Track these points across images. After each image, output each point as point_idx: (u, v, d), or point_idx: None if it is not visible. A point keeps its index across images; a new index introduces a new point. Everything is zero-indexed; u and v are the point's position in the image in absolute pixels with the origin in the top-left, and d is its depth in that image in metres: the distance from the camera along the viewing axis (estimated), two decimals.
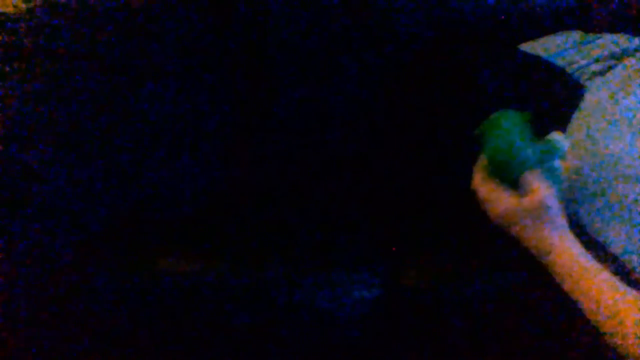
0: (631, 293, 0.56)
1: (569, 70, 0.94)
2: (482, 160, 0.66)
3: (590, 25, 1.04)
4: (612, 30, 1.01)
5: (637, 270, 0.70)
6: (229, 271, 0.87)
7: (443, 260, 0.88)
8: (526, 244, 0.62)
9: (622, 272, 0.68)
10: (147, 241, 0.89)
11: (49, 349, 0.92)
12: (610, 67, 0.90)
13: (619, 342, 0.54)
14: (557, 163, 0.66)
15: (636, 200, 0.72)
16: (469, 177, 0.76)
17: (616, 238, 0.72)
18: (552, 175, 0.65)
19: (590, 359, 0.74)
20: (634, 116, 0.78)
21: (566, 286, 0.59)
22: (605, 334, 0.56)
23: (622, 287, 0.57)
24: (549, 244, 0.60)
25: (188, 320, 0.90)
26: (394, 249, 0.91)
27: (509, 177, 0.63)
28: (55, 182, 0.91)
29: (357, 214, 0.95)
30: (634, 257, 0.71)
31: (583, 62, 0.93)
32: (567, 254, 0.59)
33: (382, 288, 0.86)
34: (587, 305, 0.57)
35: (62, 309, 0.89)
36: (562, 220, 0.62)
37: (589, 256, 0.60)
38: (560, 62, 0.96)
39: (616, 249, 0.72)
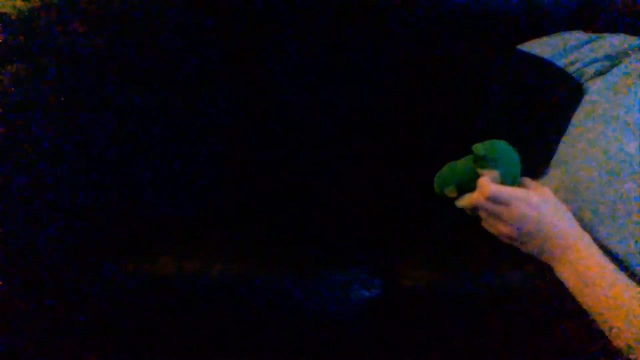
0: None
1: (569, 70, 0.94)
2: (492, 175, 0.67)
3: (591, 25, 1.04)
4: (612, 30, 1.01)
5: (637, 270, 0.70)
6: (229, 271, 0.87)
7: (443, 260, 0.88)
8: (538, 245, 0.62)
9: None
10: (147, 241, 0.89)
11: (49, 349, 0.92)
12: (610, 67, 0.90)
13: (628, 340, 0.54)
14: None
15: (636, 200, 0.72)
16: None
17: (615, 238, 0.72)
18: None
19: (590, 358, 0.74)
20: (634, 116, 0.78)
21: (575, 284, 0.59)
22: (613, 331, 0.55)
23: (633, 284, 0.57)
24: (563, 238, 0.60)
25: (188, 320, 0.90)
26: (394, 243, 0.91)
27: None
28: (55, 182, 0.91)
29: (357, 214, 0.95)
30: (634, 257, 0.71)
31: (583, 62, 0.93)
32: (580, 249, 0.59)
33: (382, 288, 0.86)
34: (597, 304, 0.57)
35: (61, 309, 0.89)
36: (572, 218, 0.62)
37: (601, 253, 0.60)
38: (560, 62, 0.96)
39: (616, 249, 0.72)
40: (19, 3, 1.04)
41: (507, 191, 0.63)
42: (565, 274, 0.61)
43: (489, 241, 0.84)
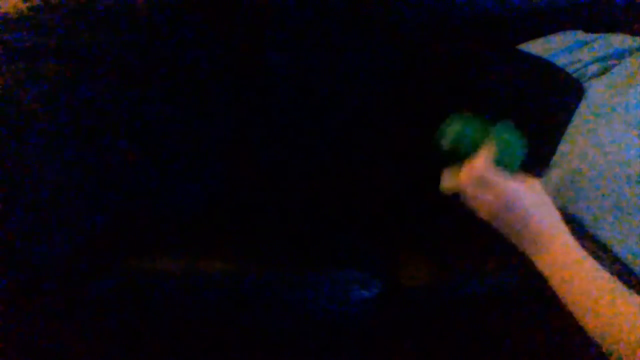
0: (621, 288, 0.56)
1: (569, 70, 0.94)
2: (490, 150, 0.66)
3: (591, 25, 1.04)
4: (612, 30, 1.01)
5: (637, 270, 0.70)
6: (229, 271, 0.87)
7: (443, 260, 0.88)
8: (519, 235, 0.62)
9: (623, 272, 0.67)
10: (147, 241, 0.89)
11: (49, 349, 0.92)
12: (610, 67, 0.90)
13: (610, 344, 0.54)
14: None
15: (635, 200, 0.72)
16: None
17: (616, 238, 0.72)
18: None
19: (590, 358, 0.74)
20: (633, 116, 0.78)
21: (553, 277, 0.59)
22: (594, 333, 0.55)
23: (615, 283, 0.57)
24: (545, 231, 0.60)
25: (188, 320, 0.90)
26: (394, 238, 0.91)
27: (512, 170, 0.65)
28: (56, 182, 0.91)
29: (357, 214, 0.95)
30: (634, 257, 0.71)
31: (583, 62, 0.93)
32: (559, 243, 0.59)
33: (382, 288, 0.86)
34: (576, 301, 0.57)
35: (61, 310, 0.89)
36: (556, 213, 0.62)
37: (582, 250, 0.60)
38: (560, 62, 0.96)
39: (616, 248, 0.72)
40: (19, 3, 1.04)
41: (495, 175, 0.62)
42: (545, 266, 0.61)
43: (489, 241, 0.84)
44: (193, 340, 0.90)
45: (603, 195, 0.74)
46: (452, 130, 0.70)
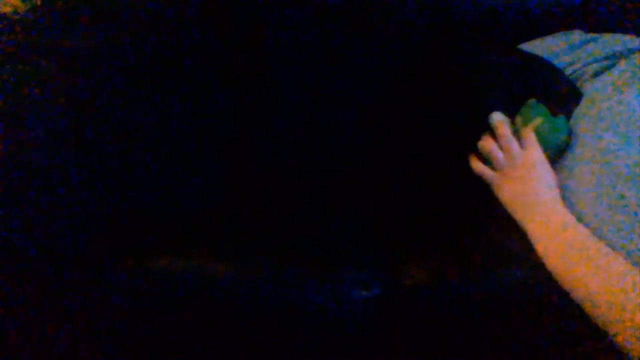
0: (620, 257, 0.57)
1: (569, 70, 0.94)
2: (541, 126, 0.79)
3: (591, 25, 1.04)
4: (612, 30, 1.01)
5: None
6: (229, 271, 0.87)
7: (443, 260, 0.88)
8: (522, 196, 0.69)
9: None
10: (147, 241, 0.89)
11: (49, 349, 0.92)
12: (610, 67, 0.90)
13: (597, 314, 0.55)
14: None
15: (636, 200, 0.72)
16: (468, 175, 0.77)
17: (616, 238, 0.72)
18: None
19: (591, 358, 0.74)
20: (634, 116, 0.78)
21: (551, 243, 0.62)
22: (586, 302, 0.57)
23: (612, 252, 0.58)
24: (549, 205, 0.65)
25: (187, 321, 0.90)
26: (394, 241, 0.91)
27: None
28: (55, 182, 0.91)
29: (357, 214, 0.95)
30: (634, 258, 0.71)
31: (583, 62, 0.93)
32: (559, 213, 0.63)
33: (382, 288, 0.86)
34: (569, 267, 0.59)
35: (62, 310, 0.89)
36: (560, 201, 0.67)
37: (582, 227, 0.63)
38: (560, 62, 0.96)
39: (616, 248, 0.72)
40: (18, 3, 1.04)
41: (534, 138, 0.76)
42: (541, 230, 0.64)
43: (490, 241, 0.84)
44: (193, 340, 0.90)
45: (603, 195, 0.74)
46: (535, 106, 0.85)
